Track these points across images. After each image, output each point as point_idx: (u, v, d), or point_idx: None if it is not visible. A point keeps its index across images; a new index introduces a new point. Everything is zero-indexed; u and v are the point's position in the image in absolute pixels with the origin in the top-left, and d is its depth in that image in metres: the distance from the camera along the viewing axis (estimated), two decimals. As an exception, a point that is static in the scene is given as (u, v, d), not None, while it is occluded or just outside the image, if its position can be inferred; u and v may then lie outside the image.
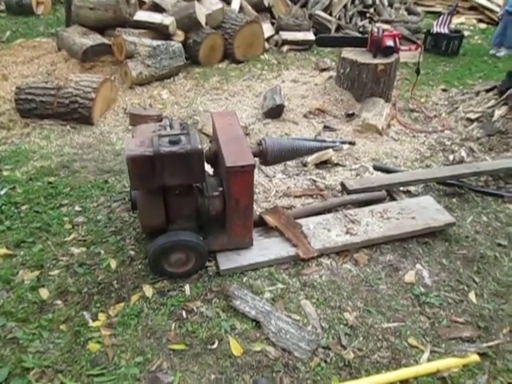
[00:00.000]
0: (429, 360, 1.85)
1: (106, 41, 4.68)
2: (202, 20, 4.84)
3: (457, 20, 7.21)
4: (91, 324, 1.95)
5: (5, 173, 3.01)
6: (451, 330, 1.99)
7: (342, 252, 2.38)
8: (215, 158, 2.29)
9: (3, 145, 3.40)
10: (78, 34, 4.78)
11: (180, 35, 4.83)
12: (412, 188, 2.92)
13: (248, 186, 2.06)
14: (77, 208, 2.68)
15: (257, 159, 2.32)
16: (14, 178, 2.95)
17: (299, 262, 2.30)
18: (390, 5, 7.25)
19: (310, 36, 5.74)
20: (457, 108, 4.07)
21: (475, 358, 1.85)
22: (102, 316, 1.99)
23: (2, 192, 2.80)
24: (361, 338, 1.93)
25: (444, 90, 4.55)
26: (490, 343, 1.93)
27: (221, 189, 2.15)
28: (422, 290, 2.18)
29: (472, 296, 2.16)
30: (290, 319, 1.98)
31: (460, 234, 2.55)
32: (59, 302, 2.06)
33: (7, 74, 4.58)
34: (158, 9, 5.01)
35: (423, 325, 2.01)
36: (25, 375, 1.73)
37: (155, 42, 4.47)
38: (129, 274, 2.21)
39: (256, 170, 2.96)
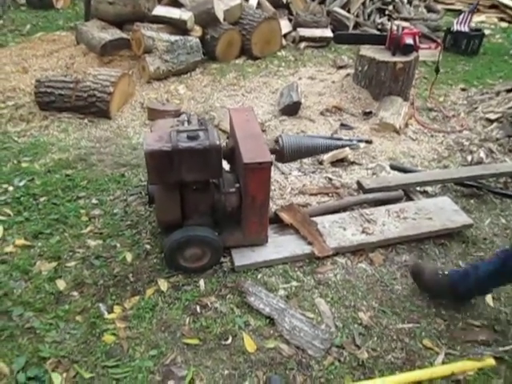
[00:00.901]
0: (443, 362, 1.83)
1: (124, 35, 4.70)
2: (220, 16, 4.84)
3: (477, 18, 7.09)
4: (106, 316, 1.97)
5: (24, 164, 3.05)
6: (467, 332, 1.97)
7: (358, 251, 2.36)
8: (232, 154, 2.29)
9: (22, 137, 3.45)
10: (96, 28, 4.81)
11: (198, 30, 4.83)
12: (429, 188, 2.89)
13: (264, 183, 2.06)
14: (93, 201, 2.71)
15: (273, 156, 2.32)
16: (33, 169, 2.99)
17: (314, 260, 2.29)
18: (409, 2, 7.15)
19: (327, 33, 5.69)
20: (476, 108, 4.00)
21: (491, 361, 1.83)
22: (117, 308, 2.01)
23: (21, 183, 2.84)
24: (375, 338, 1.92)
25: (463, 90, 4.48)
26: (507, 347, 1.90)
27: (237, 185, 2.16)
28: (438, 291, 2.16)
29: (489, 299, 2.13)
30: (304, 317, 1.98)
31: (477, 236, 2.52)
32: (75, 293, 2.09)
33: (27, 67, 4.64)
34: (176, 4, 5.02)
35: (438, 326, 1.99)
36: (41, 364, 1.76)
37: (173, 37, 4.48)
38: (144, 267, 2.23)
39: (272, 167, 2.96)
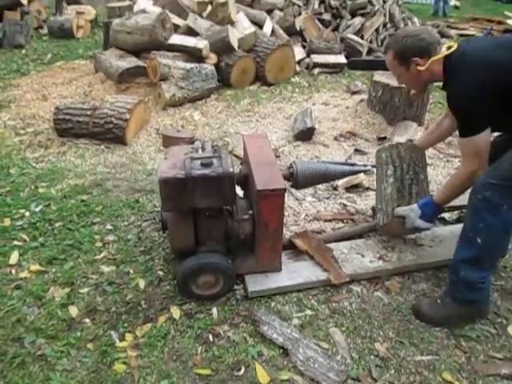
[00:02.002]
0: (465, 398, 1.76)
1: (141, 63, 4.82)
2: (235, 43, 4.94)
3: (492, 43, 7.10)
4: (118, 344, 1.95)
5: (41, 190, 3.10)
6: (488, 365, 1.89)
7: (373, 279, 2.31)
8: (246, 180, 2.29)
9: (40, 163, 3.51)
10: (114, 56, 4.95)
11: (213, 58, 4.93)
12: (446, 215, 2.84)
13: (278, 209, 2.05)
14: (108, 226, 2.72)
15: (287, 182, 2.31)
16: (50, 195, 3.04)
17: (328, 288, 2.25)
18: (423, 28, 7.21)
19: (341, 59, 5.76)
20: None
21: (515, 397, 1.75)
22: (129, 336, 1.98)
23: (38, 209, 2.87)
24: (392, 371, 1.85)
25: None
26: (532, 382, 1.82)
27: (251, 212, 2.15)
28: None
29: (511, 330, 2.05)
30: (319, 348, 1.93)
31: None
32: (87, 320, 2.07)
33: (47, 95, 4.77)
34: (192, 33, 5.15)
35: (458, 359, 1.91)
36: (52, 394, 1.74)
37: (188, 65, 4.57)
38: (157, 294, 2.21)
39: (286, 193, 2.95)
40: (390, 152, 2.49)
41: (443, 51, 1.97)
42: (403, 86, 2.37)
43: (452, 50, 1.95)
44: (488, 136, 1.87)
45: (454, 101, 1.92)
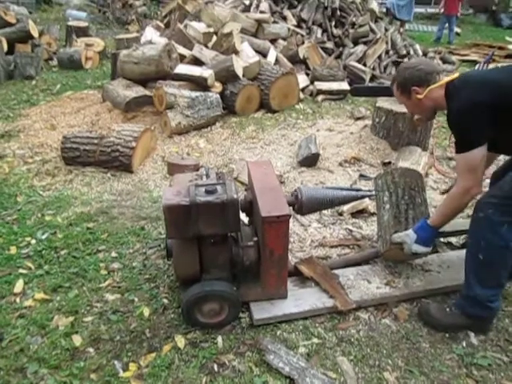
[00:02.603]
0: (478, 430, 1.70)
1: (147, 93, 4.92)
2: (240, 72, 5.02)
3: (494, 69, 7.18)
4: (122, 374, 1.91)
5: (47, 218, 3.12)
6: (502, 395, 1.84)
7: (381, 306, 2.28)
8: (250, 207, 2.29)
9: (47, 191, 3.54)
10: (122, 86, 5.05)
11: (218, 86, 5.02)
12: (453, 239, 2.81)
13: (283, 236, 2.04)
14: (113, 254, 2.72)
15: (291, 208, 2.31)
16: (56, 223, 3.05)
17: (335, 315, 2.21)
18: (425, 54, 7.34)
19: (344, 86, 5.84)
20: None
21: (531, 429, 1.69)
22: (132, 366, 1.95)
23: (44, 237, 2.88)
24: (402, 402, 1.80)
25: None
26: (547, 413, 1.76)
27: (255, 238, 2.14)
28: (468, 349, 2.04)
29: (523, 359, 2.00)
30: (326, 377, 1.88)
31: (508, 290, 2.40)
32: (91, 349, 2.05)
33: (55, 124, 4.85)
34: (197, 62, 5.26)
35: (470, 389, 1.87)
36: (54, 426, 1.70)
37: (194, 94, 4.65)
38: (161, 322, 2.19)
39: (291, 219, 2.94)
40: (385, 178, 2.50)
41: (443, 79, 2.04)
42: (408, 112, 2.43)
43: (453, 77, 2.03)
44: (483, 153, 1.89)
45: (451, 118, 1.97)
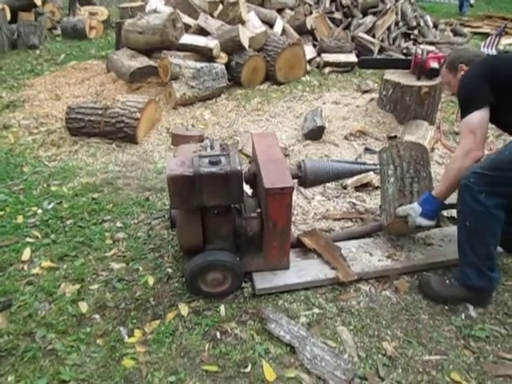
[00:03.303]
0: (473, 398, 1.74)
1: (152, 63, 4.86)
2: (246, 43, 4.94)
3: (505, 41, 7.01)
4: (127, 340, 1.97)
5: (53, 188, 3.14)
6: (498, 366, 1.87)
7: (382, 278, 2.31)
8: (254, 179, 2.30)
9: (53, 161, 3.56)
10: (126, 56, 4.99)
11: (223, 57, 4.95)
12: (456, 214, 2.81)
13: (286, 208, 2.05)
14: (118, 224, 2.75)
15: (295, 181, 2.31)
16: (61, 193, 3.08)
17: (336, 286, 2.24)
18: (435, 26, 7.16)
19: (352, 58, 5.74)
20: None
21: (525, 398, 1.73)
22: (137, 332, 2.01)
23: (50, 206, 2.92)
24: (400, 370, 1.84)
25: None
26: (542, 383, 1.80)
27: (259, 210, 2.15)
28: (467, 321, 2.07)
29: (521, 331, 2.03)
30: (326, 346, 1.93)
31: (509, 264, 2.42)
32: (97, 316, 2.10)
33: (60, 95, 4.84)
34: (202, 32, 5.17)
35: (467, 359, 1.90)
36: (61, 387, 1.77)
37: (199, 64, 4.59)
38: (165, 291, 2.23)
39: (295, 192, 2.94)
40: (390, 152, 2.49)
41: None
42: (450, 92, 2.62)
43: None
44: (482, 116, 1.98)
45: (458, 92, 2.13)
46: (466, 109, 2.03)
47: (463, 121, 2.04)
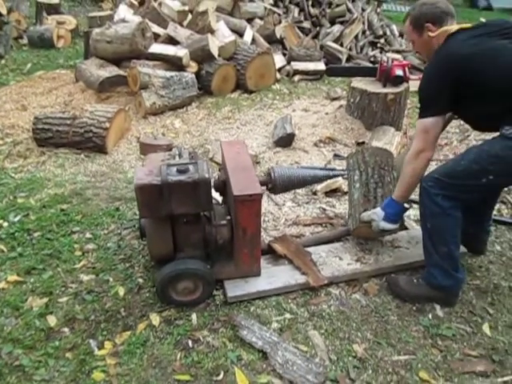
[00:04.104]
0: (441, 395, 1.79)
1: (121, 72, 4.82)
2: (215, 52, 4.97)
3: None
4: (97, 352, 1.94)
5: (19, 200, 3.07)
6: (464, 363, 1.93)
7: (352, 281, 2.35)
8: (224, 186, 2.31)
9: (19, 173, 3.48)
10: (95, 66, 4.94)
11: (193, 66, 4.96)
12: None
13: (255, 214, 2.07)
14: (88, 235, 2.71)
15: (265, 188, 2.34)
16: (28, 205, 3.01)
17: (307, 291, 2.27)
18: (401, 35, 7.36)
19: (320, 66, 5.84)
20: (468, 136, 4.05)
21: (489, 393, 1.79)
22: (108, 344, 1.98)
23: (16, 219, 2.85)
24: (370, 371, 1.88)
25: (455, 119, 4.54)
26: (506, 378, 1.86)
27: (228, 217, 2.16)
28: (434, 321, 2.13)
29: (486, 328, 2.10)
30: (298, 350, 1.94)
31: (473, 264, 2.50)
32: (66, 329, 2.06)
33: (26, 105, 4.74)
34: (172, 41, 5.17)
35: (435, 358, 1.95)
36: (29, 404, 1.72)
37: (169, 73, 4.59)
38: (136, 301, 2.21)
39: (265, 199, 2.98)
40: (356, 157, 2.55)
41: (454, 26, 2.04)
42: (413, 50, 2.40)
43: (454, 29, 2.02)
44: (438, 121, 2.01)
45: (422, 78, 2.09)
46: (423, 111, 2.05)
47: (419, 120, 2.07)
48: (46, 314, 2.13)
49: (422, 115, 2.05)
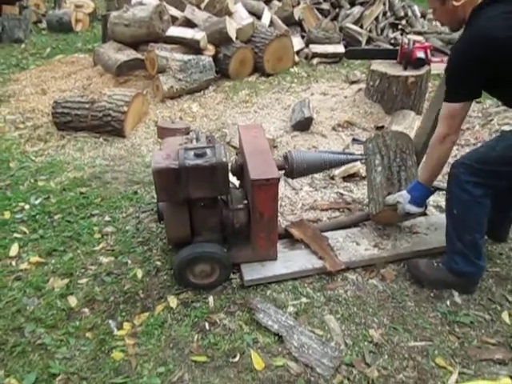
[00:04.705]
0: (457, 382, 1.77)
1: (139, 56, 4.83)
2: (233, 35, 4.92)
3: None
4: (116, 333, 1.98)
5: (40, 183, 3.13)
6: (482, 351, 1.91)
7: (368, 267, 2.33)
8: (241, 170, 2.31)
9: (40, 156, 3.54)
10: (113, 49, 4.95)
11: (211, 49, 4.92)
12: (443, 203, 2.84)
13: (272, 199, 2.06)
14: (106, 218, 2.75)
15: (282, 172, 2.33)
16: (49, 188, 3.07)
17: (324, 276, 2.27)
18: (423, 16, 7.16)
19: (340, 49, 5.73)
20: (491, 120, 3.95)
21: (507, 381, 1.74)
22: (126, 325, 2.02)
23: (37, 202, 2.90)
24: (386, 357, 1.88)
25: (478, 102, 4.43)
26: (524, 366, 1.84)
27: (245, 201, 2.16)
28: (452, 308, 2.11)
29: (505, 316, 2.07)
30: (314, 334, 1.95)
31: (493, 251, 2.46)
32: (86, 309, 2.11)
33: (46, 89, 4.79)
34: (189, 24, 5.14)
35: (452, 345, 1.93)
36: (51, 381, 1.77)
37: (186, 57, 4.57)
38: (154, 284, 2.24)
39: (282, 183, 2.97)
40: (376, 142, 2.51)
41: None
42: (434, 18, 2.16)
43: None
44: (466, 108, 1.93)
45: (452, 55, 1.93)
46: (450, 95, 1.93)
47: (445, 104, 1.96)
48: (66, 295, 2.18)
49: (448, 99, 1.94)
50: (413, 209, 2.20)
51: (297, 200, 2.89)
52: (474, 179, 1.96)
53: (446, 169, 3.22)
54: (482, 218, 2.05)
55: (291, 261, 2.28)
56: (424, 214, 2.63)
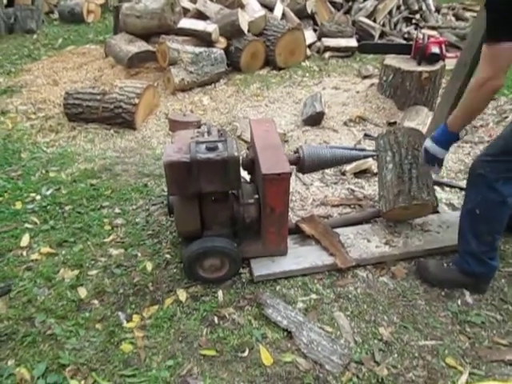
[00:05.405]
0: (467, 382, 1.76)
1: (150, 48, 4.82)
2: (245, 27, 4.89)
3: None
4: (125, 325, 1.99)
5: (51, 174, 3.14)
6: (493, 351, 1.89)
7: (379, 264, 2.31)
8: (252, 164, 2.29)
9: (51, 147, 3.55)
10: (124, 41, 4.94)
11: (222, 42, 4.90)
12: (455, 200, 2.81)
13: (283, 193, 2.05)
14: (117, 210, 2.75)
15: (293, 167, 2.31)
16: (60, 179, 3.08)
17: (334, 272, 2.25)
18: (437, 10, 7.06)
19: (352, 43, 5.68)
20: (506, 118, 3.89)
21: (519, 383, 1.75)
22: (136, 317, 2.02)
23: (48, 192, 2.92)
24: (395, 355, 1.86)
25: (492, 99, 4.36)
26: (536, 368, 1.82)
27: (256, 196, 2.15)
28: (463, 307, 2.09)
29: (517, 317, 2.05)
30: (323, 331, 1.94)
31: (506, 251, 2.43)
32: (96, 301, 2.12)
33: (58, 80, 4.80)
34: (201, 16, 5.11)
35: (463, 344, 1.91)
36: (61, 371, 1.78)
37: (198, 49, 4.55)
38: (164, 277, 2.24)
39: (293, 178, 2.95)
40: (387, 138, 2.48)
41: None
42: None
43: None
44: (510, 51, 1.66)
45: (486, 3, 1.70)
46: (492, 32, 1.68)
47: (487, 47, 1.70)
48: (76, 286, 2.19)
49: (490, 36, 1.68)
50: (433, 147, 2.02)
51: (307, 195, 2.87)
52: (502, 175, 1.88)
53: (460, 167, 3.21)
54: (504, 218, 2.00)
55: (301, 257, 2.27)
56: (436, 211, 2.60)
